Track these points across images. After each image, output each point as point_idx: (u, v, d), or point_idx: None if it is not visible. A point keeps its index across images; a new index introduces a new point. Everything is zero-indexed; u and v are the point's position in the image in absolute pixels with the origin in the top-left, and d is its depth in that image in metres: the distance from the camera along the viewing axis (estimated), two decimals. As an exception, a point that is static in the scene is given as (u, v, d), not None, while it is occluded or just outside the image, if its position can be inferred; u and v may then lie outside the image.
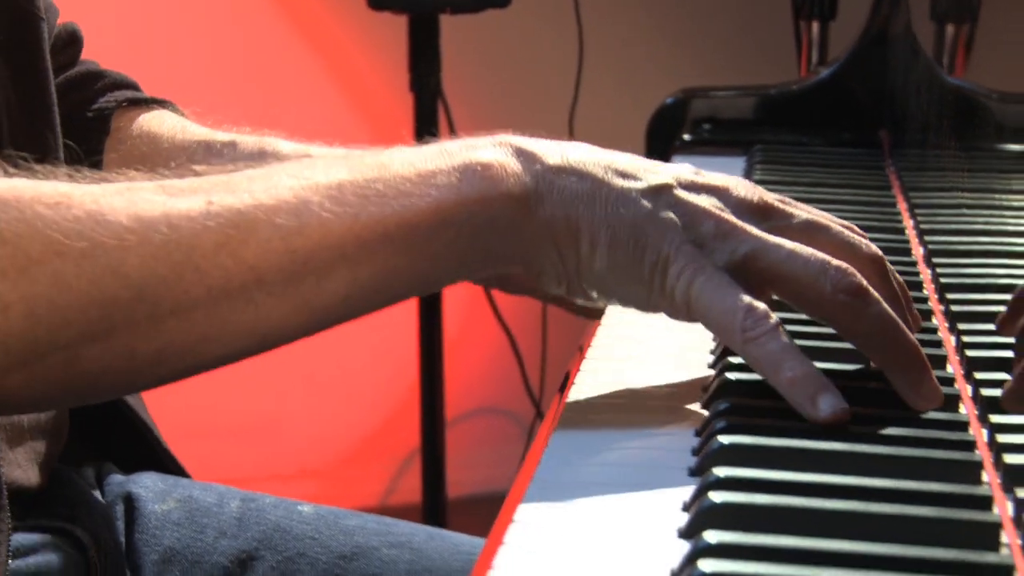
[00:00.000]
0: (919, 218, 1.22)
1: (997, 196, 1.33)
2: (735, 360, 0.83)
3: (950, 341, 0.92)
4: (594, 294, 0.82)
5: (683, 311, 0.79)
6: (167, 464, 1.10)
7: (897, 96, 1.59)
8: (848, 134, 1.60)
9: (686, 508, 0.69)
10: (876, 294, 0.79)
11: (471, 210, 0.76)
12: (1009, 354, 0.87)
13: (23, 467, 0.93)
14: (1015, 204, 1.30)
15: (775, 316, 0.77)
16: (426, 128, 1.87)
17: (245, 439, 2.37)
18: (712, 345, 0.91)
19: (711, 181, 0.82)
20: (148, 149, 1.07)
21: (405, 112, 1.91)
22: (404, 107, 1.89)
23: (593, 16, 2.20)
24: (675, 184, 0.80)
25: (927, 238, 1.15)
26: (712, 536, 0.63)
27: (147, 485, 1.07)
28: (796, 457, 0.72)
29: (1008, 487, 0.69)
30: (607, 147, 0.83)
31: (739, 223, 0.79)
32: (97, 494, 1.04)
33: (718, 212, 0.79)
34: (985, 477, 0.71)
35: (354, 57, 2.35)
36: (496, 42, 2.28)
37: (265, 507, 1.08)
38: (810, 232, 0.82)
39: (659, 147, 1.62)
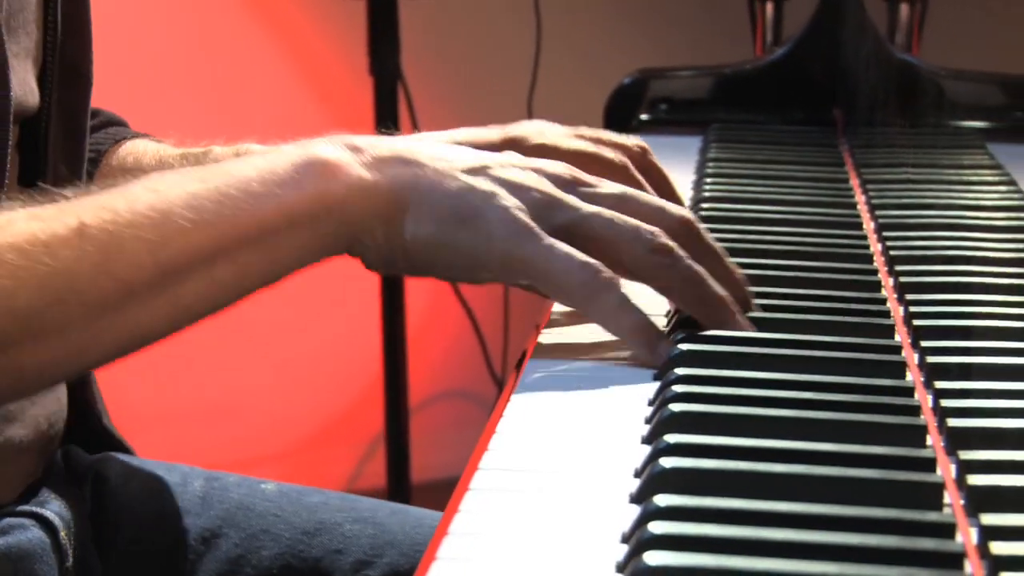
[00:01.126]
0: (870, 193, 1.24)
1: (947, 171, 1.35)
2: (686, 331, 0.85)
3: (898, 311, 0.94)
4: (420, 269, 0.88)
5: (509, 274, 0.86)
6: (122, 449, 1.11)
7: (850, 75, 1.61)
8: (802, 113, 1.61)
9: (638, 474, 0.71)
10: (682, 252, 0.86)
11: (312, 204, 0.82)
12: (955, 323, 0.89)
13: None
14: (964, 179, 1.32)
15: (607, 269, 0.84)
16: (386, 111, 1.88)
17: (207, 424, 2.37)
18: (663, 321, 0.93)
19: (529, 162, 0.88)
20: (134, 165, 1.10)
21: (365, 96, 1.92)
22: (364, 91, 1.90)
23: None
24: (495, 164, 0.86)
25: (878, 212, 1.17)
26: (662, 500, 0.64)
27: (112, 466, 1.08)
28: (745, 424, 0.74)
29: (951, 450, 0.71)
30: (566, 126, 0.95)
31: (558, 194, 0.86)
32: (63, 476, 1.05)
33: (537, 185, 0.86)
34: (929, 441, 0.73)
35: (313, 41, 2.35)
36: (455, 25, 2.29)
37: (228, 486, 1.09)
38: (623, 200, 0.88)
39: (617, 127, 1.62)
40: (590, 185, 0.88)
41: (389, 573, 1.04)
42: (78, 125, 1.00)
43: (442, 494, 1.23)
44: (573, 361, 0.88)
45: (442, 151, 0.87)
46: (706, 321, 0.86)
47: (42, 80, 0.97)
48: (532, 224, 0.84)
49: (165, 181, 0.82)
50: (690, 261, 0.86)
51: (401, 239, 0.85)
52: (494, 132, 0.98)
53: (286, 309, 2.22)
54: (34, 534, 0.94)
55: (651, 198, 0.90)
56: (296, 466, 2.50)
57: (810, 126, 1.58)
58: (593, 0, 2.40)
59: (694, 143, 1.52)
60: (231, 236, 0.81)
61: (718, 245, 0.91)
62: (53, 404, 0.98)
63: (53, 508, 0.97)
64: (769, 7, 1.76)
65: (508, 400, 0.82)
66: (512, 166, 0.87)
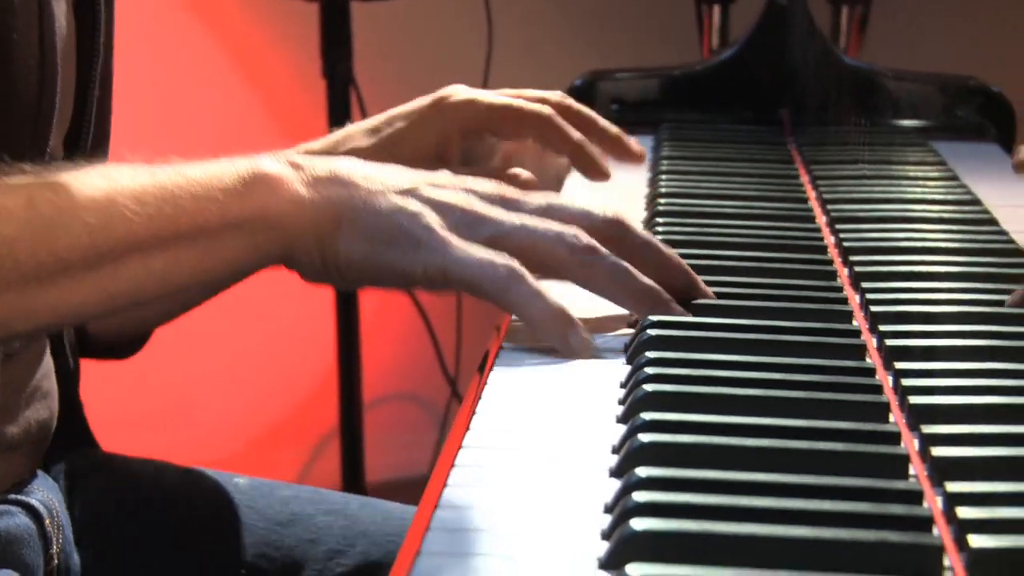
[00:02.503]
0: (821, 188, 1.27)
1: (893, 167, 1.39)
2: (654, 318, 0.89)
3: (855, 299, 0.97)
4: (353, 283, 0.93)
5: (440, 284, 0.89)
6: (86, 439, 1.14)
7: (796, 76, 1.65)
8: (750, 113, 1.65)
9: (616, 450, 0.74)
10: (605, 250, 0.90)
11: (251, 213, 0.87)
12: (909, 309, 0.93)
13: None
14: (910, 174, 1.37)
15: (519, 264, 0.88)
16: (339, 114, 1.90)
17: (155, 425, 2.38)
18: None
19: (458, 181, 0.92)
20: None
21: (318, 98, 1.94)
22: (317, 93, 1.92)
23: (502, 1, 2.24)
24: (424, 184, 0.91)
25: (829, 206, 1.20)
26: (643, 471, 0.67)
27: (86, 460, 1.10)
28: (716, 402, 0.77)
29: (913, 425, 0.74)
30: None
31: (483, 211, 0.90)
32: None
33: (463, 204, 0.90)
34: (892, 418, 0.77)
35: (265, 44, 2.37)
36: (407, 28, 2.31)
37: (201, 480, 1.12)
38: (548, 210, 0.92)
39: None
40: (515, 199, 0.92)
41: (361, 562, 1.07)
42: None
43: (396, 494, 1.26)
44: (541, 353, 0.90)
45: (376, 172, 0.91)
46: (640, 313, 0.90)
47: (71, 149, 1.02)
48: (454, 237, 0.88)
49: (120, 171, 0.86)
50: (614, 258, 0.90)
51: (334, 255, 0.89)
52: (424, 99, 1.07)
53: (237, 309, 2.23)
54: (21, 520, 0.96)
55: (576, 205, 0.94)
56: (243, 468, 2.51)
57: (758, 125, 1.62)
58: (544, 3, 2.43)
59: (645, 142, 1.54)
60: (169, 231, 0.85)
61: (652, 237, 0.95)
62: (44, 411, 1.01)
63: (38, 497, 0.99)
64: (716, 10, 1.80)
65: (481, 391, 0.84)
66: (441, 186, 0.91)
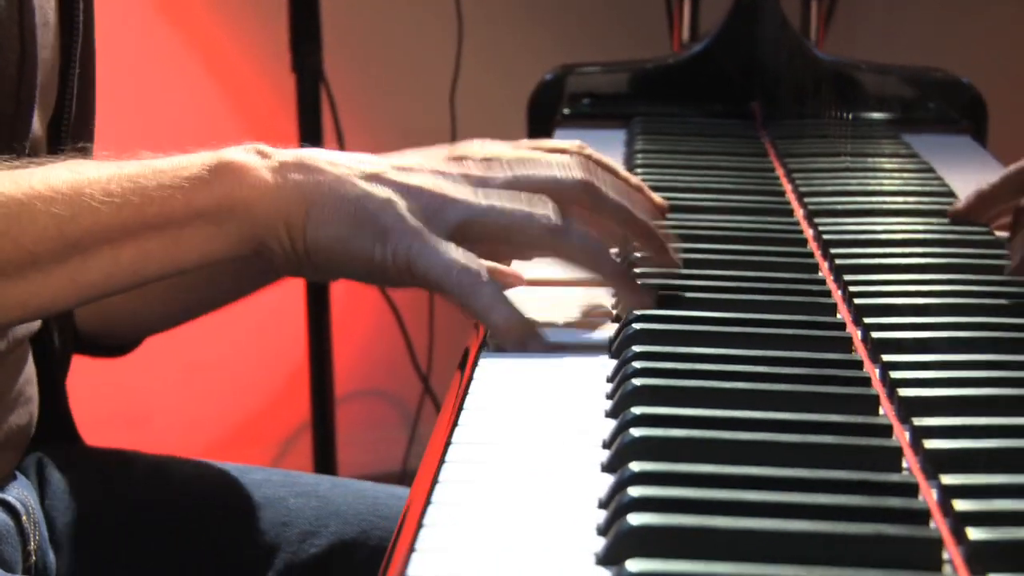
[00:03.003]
0: (797, 181, 1.27)
1: (867, 160, 1.39)
2: (638, 312, 0.88)
3: (837, 292, 0.97)
4: (322, 271, 0.92)
5: (405, 277, 0.89)
6: (70, 434, 1.13)
7: (767, 69, 1.65)
8: (721, 106, 1.65)
9: (606, 445, 0.73)
10: (576, 226, 0.90)
11: (218, 201, 0.86)
12: (893, 301, 0.93)
13: None
14: (885, 166, 1.37)
15: (484, 267, 0.88)
16: (309, 109, 1.89)
17: (125, 420, 2.36)
18: (611, 300, 0.96)
19: (425, 163, 0.92)
20: None
21: (287, 94, 1.93)
22: (287, 88, 1.91)
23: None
24: (391, 169, 0.90)
25: (807, 199, 1.20)
26: (636, 466, 0.67)
27: (56, 453, 1.09)
28: (704, 396, 0.77)
29: (904, 418, 0.74)
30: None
31: (452, 193, 0.90)
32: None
33: (431, 188, 0.90)
34: (880, 410, 0.77)
35: (233, 39, 2.35)
36: (376, 22, 2.30)
37: (172, 468, 1.11)
38: (515, 182, 0.92)
39: (540, 122, 1.66)
40: (483, 177, 0.92)
41: (335, 542, 1.07)
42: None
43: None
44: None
45: (342, 158, 0.90)
46: (609, 284, 0.93)
47: (55, 133, 1.02)
48: (422, 228, 0.88)
49: (85, 164, 0.87)
50: (583, 235, 0.90)
51: (303, 242, 0.88)
52: (441, 152, 1.01)
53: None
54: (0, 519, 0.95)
55: (542, 172, 0.93)
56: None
57: (729, 119, 1.62)
58: (513, -2, 2.43)
59: (618, 136, 1.55)
60: (137, 221, 0.85)
61: (623, 199, 0.95)
62: (26, 416, 1.01)
63: (14, 494, 0.98)
64: (686, 3, 1.80)
65: (464, 388, 0.84)
66: (409, 169, 0.91)
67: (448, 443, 0.75)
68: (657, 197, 1.10)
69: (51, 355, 1.07)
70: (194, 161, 0.87)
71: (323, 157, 0.90)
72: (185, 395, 2.45)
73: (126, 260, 0.85)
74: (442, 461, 0.72)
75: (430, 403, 2.29)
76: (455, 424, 0.77)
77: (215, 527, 1.07)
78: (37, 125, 0.96)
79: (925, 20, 2.40)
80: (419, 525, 0.66)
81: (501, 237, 0.90)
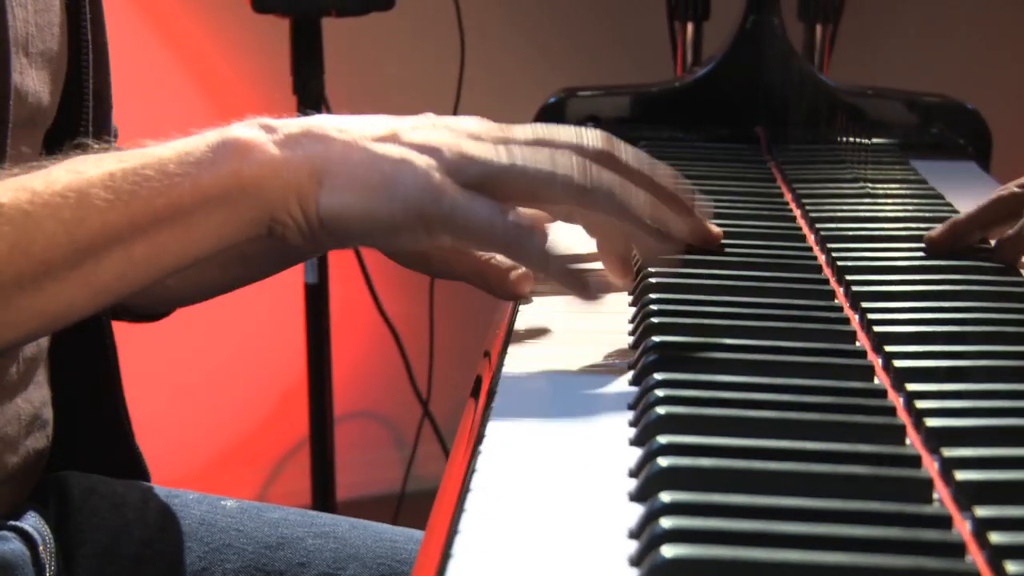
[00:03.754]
0: (807, 207, 1.27)
1: (876, 186, 1.39)
2: (658, 339, 0.88)
3: (854, 318, 0.97)
4: (341, 240, 0.89)
5: (433, 233, 0.86)
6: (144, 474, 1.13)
7: (773, 93, 1.64)
8: (726, 130, 1.65)
9: (633, 474, 0.73)
10: (603, 179, 0.88)
11: (227, 182, 0.84)
12: (913, 329, 0.92)
13: None
14: (894, 192, 1.36)
15: (529, 218, 0.87)
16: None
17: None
18: (628, 327, 0.95)
19: (442, 121, 0.89)
20: None
21: (289, 116, 1.92)
22: (288, 112, 1.90)
23: (474, 18, 2.23)
24: (404, 128, 0.87)
25: (818, 225, 1.20)
26: (667, 496, 0.66)
27: (73, 483, 1.08)
28: (730, 425, 0.76)
29: (934, 448, 0.74)
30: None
31: (471, 150, 0.87)
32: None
33: (449, 143, 0.87)
34: (907, 440, 0.76)
35: (235, 61, 2.35)
36: (379, 45, 2.30)
37: (189, 503, 1.10)
38: (537, 143, 0.89)
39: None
40: (502, 136, 0.89)
41: None
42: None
43: (366, 511, 1.25)
44: (541, 373, 0.89)
45: (353, 123, 0.87)
46: (643, 244, 0.91)
47: (71, 106, 1.00)
48: (446, 181, 0.85)
49: (85, 163, 0.84)
50: (610, 186, 0.88)
51: (317, 213, 0.85)
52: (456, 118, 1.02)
53: (205, 323, 2.21)
54: (15, 546, 0.95)
55: (565, 134, 0.90)
56: (210, 484, 2.49)
57: (735, 143, 1.61)
58: (516, 21, 2.42)
59: (624, 160, 1.55)
60: (146, 215, 0.82)
61: (644, 165, 0.93)
62: (43, 440, 1.00)
63: (31, 522, 0.97)
64: (689, 27, 1.80)
65: (481, 415, 0.83)
66: (422, 128, 0.88)
67: (470, 470, 0.74)
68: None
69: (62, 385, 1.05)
70: (198, 143, 0.85)
71: (331, 124, 0.87)
72: (178, 415, 2.43)
73: (139, 257, 0.83)
74: (465, 489, 0.72)
75: (428, 426, 2.27)
76: (475, 452, 0.77)
77: (231, 565, 1.06)
78: (20, 134, 0.94)
79: (928, 45, 2.41)
80: (446, 556, 0.65)
81: (525, 194, 0.88)
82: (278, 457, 2.52)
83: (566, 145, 0.89)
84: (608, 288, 0.87)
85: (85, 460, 1.11)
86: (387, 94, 2.33)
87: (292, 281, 1.86)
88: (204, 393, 2.44)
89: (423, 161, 0.85)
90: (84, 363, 1.09)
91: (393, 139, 0.86)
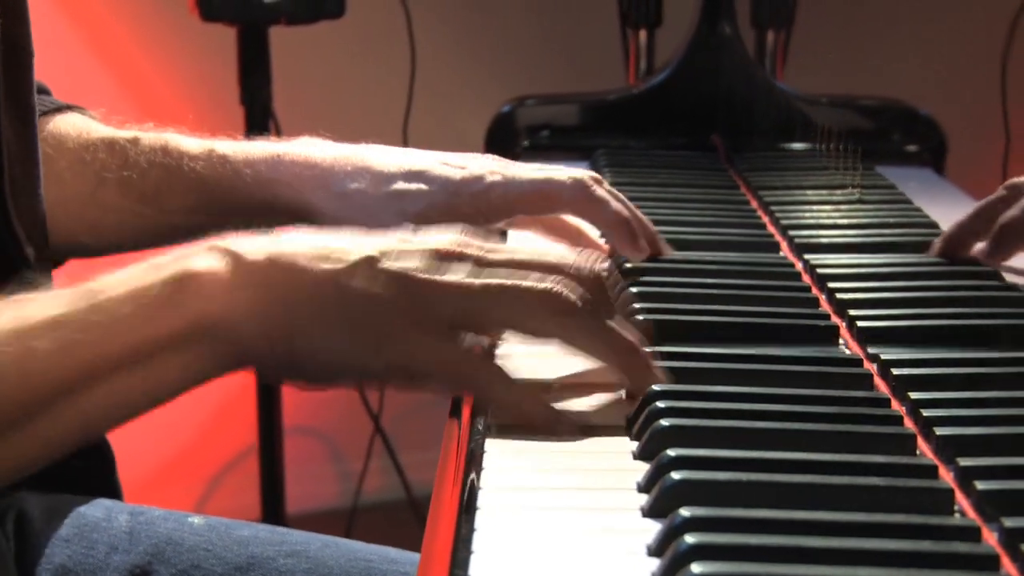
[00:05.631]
0: (776, 215, 1.26)
1: (839, 192, 1.38)
2: (650, 350, 0.86)
3: (843, 326, 0.95)
4: (314, 379, 0.83)
5: (407, 382, 0.82)
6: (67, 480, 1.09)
7: (728, 100, 1.63)
8: (682, 138, 1.64)
9: (642, 489, 0.71)
10: (584, 309, 0.81)
11: (188, 326, 0.78)
12: (904, 336, 0.91)
13: None
14: (864, 198, 1.35)
15: (489, 354, 0.83)
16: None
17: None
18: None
19: (418, 245, 0.83)
20: (53, 151, 1.08)
21: (236, 127, 1.89)
22: (235, 123, 1.88)
23: (425, 27, 2.21)
24: (378, 256, 0.81)
25: (791, 233, 1.18)
26: (687, 511, 0.64)
27: (33, 503, 1.04)
28: (735, 436, 0.75)
29: (949, 458, 0.72)
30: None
31: (448, 281, 0.81)
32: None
33: (425, 276, 0.81)
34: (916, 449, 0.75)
35: (184, 69, 2.31)
36: (328, 55, 2.27)
37: (155, 520, 1.07)
38: (520, 265, 0.83)
39: (498, 153, 1.63)
40: (481, 257, 0.83)
41: None
42: (26, 102, 0.98)
43: (316, 525, 1.22)
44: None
45: (321, 249, 0.81)
46: (623, 372, 0.83)
47: None
48: (416, 328, 0.80)
49: (28, 305, 0.78)
50: (596, 313, 0.82)
51: (288, 353, 0.80)
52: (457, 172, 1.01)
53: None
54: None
55: (545, 259, 0.84)
56: (158, 497, 2.44)
57: (692, 151, 1.60)
58: (468, 30, 2.40)
59: (581, 169, 1.53)
60: (99, 365, 0.77)
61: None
62: None
63: None
64: (642, 35, 1.78)
65: (467, 438, 0.80)
66: (398, 253, 0.82)
67: (465, 491, 0.72)
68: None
69: None
70: (154, 280, 0.78)
71: (300, 250, 0.80)
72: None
73: (97, 406, 0.77)
74: (463, 512, 0.69)
75: (379, 442, 2.24)
76: (468, 472, 0.74)
77: None
78: None
79: (881, 51, 2.41)
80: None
81: (501, 326, 0.84)
82: (219, 470, 2.48)
83: (550, 267, 0.83)
84: (580, 424, 0.80)
85: (49, 477, 1.07)
86: (336, 105, 2.30)
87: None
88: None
89: (395, 303, 0.80)
90: None
91: (367, 267, 0.80)
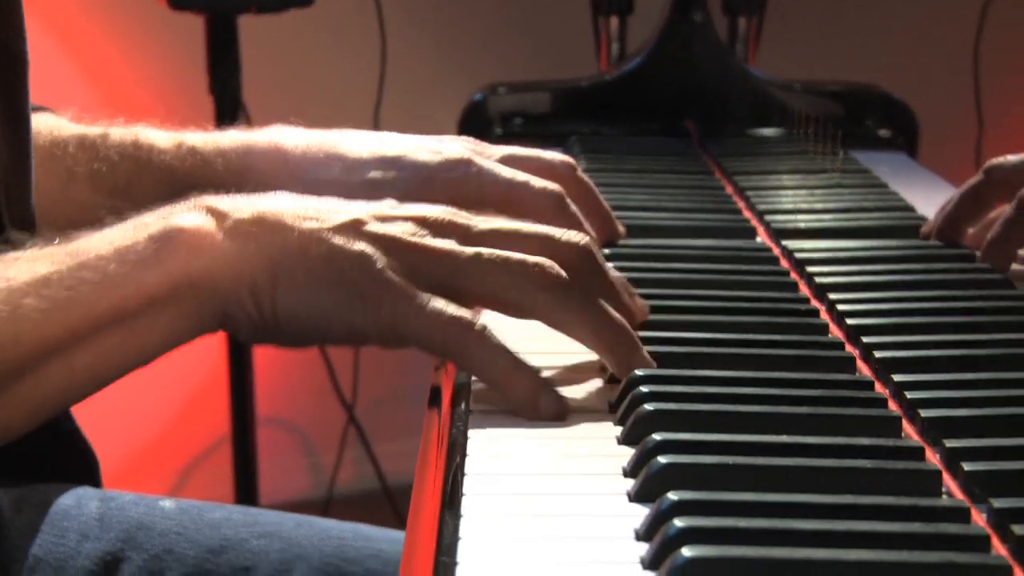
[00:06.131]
0: (752, 200, 1.25)
1: (812, 176, 1.38)
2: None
3: (823, 309, 0.95)
4: (296, 339, 0.82)
5: (392, 341, 0.81)
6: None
7: (701, 86, 1.63)
8: (656, 124, 1.63)
9: (628, 473, 0.70)
10: (574, 284, 0.81)
11: (175, 281, 0.78)
12: (886, 320, 0.91)
13: None
14: (838, 183, 1.35)
15: (480, 321, 0.79)
16: (228, 131, 1.85)
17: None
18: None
19: (405, 212, 0.83)
20: None
21: (206, 117, 1.88)
22: (205, 112, 1.87)
23: (395, 15, 2.20)
24: (366, 219, 0.81)
25: (768, 218, 1.18)
26: (675, 495, 0.64)
27: (1, 493, 1.03)
28: (719, 420, 0.74)
29: (935, 440, 0.72)
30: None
31: (435, 246, 0.81)
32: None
33: (413, 239, 0.81)
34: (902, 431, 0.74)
35: (153, 59, 2.30)
36: (297, 44, 2.26)
37: (125, 505, 1.05)
38: (509, 237, 0.83)
39: (471, 142, 1.64)
40: (469, 226, 0.84)
41: None
42: (21, 110, 0.97)
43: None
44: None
45: (308, 209, 0.81)
46: (607, 354, 0.82)
47: None
48: (405, 285, 0.80)
49: (14, 266, 0.78)
50: (585, 290, 0.82)
51: (272, 310, 0.80)
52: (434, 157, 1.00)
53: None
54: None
55: (536, 230, 0.85)
56: (127, 482, 2.43)
57: (665, 136, 1.60)
58: (438, 18, 2.39)
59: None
60: (87, 323, 0.77)
61: (617, 276, 0.88)
62: None
63: None
64: (613, 22, 1.78)
65: (447, 425, 0.79)
66: (386, 218, 0.82)
67: (449, 479, 0.71)
68: (620, 224, 1.10)
69: None
70: (139, 235, 0.78)
71: (287, 209, 0.81)
72: (84, 413, 2.38)
73: (82, 367, 0.77)
74: (449, 498, 0.69)
75: (353, 432, 2.24)
76: (450, 460, 0.74)
77: (170, 572, 1.01)
78: None
79: (853, 36, 2.41)
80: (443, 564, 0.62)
81: (489, 298, 0.82)
82: (191, 461, 2.47)
83: (539, 238, 0.83)
84: (565, 413, 0.78)
85: (22, 463, 1.06)
86: (307, 94, 2.29)
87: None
88: (111, 390, 2.38)
89: (382, 261, 0.80)
90: None
91: (354, 229, 0.81)
